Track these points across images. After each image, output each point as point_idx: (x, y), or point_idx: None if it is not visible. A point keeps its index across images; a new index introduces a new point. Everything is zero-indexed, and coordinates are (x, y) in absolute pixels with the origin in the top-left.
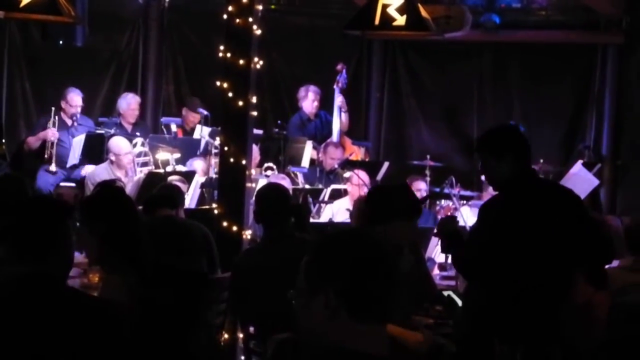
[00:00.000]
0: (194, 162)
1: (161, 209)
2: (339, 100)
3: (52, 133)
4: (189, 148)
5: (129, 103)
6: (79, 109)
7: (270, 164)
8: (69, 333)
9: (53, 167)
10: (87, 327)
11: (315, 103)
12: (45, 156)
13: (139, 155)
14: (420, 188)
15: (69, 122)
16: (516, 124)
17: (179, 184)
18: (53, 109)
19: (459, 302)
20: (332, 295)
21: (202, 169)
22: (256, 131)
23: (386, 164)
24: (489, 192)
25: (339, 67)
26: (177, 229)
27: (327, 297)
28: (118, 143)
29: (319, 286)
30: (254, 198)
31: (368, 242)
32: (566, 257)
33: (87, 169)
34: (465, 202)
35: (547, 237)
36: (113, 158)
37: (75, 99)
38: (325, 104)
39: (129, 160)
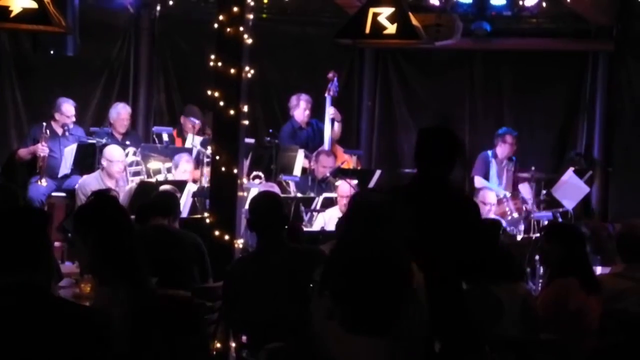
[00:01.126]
0: (181, 158)
1: (154, 218)
2: (331, 111)
3: (41, 148)
4: None
5: (118, 112)
6: (73, 119)
7: (259, 173)
8: (57, 342)
9: (44, 182)
10: (75, 336)
11: (307, 112)
12: (37, 170)
13: (130, 164)
14: None
15: (60, 131)
16: (445, 127)
17: None
18: (44, 124)
19: None
20: (329, 296)
21: (186, 160)
22: (248, 140)
23: (378, 172)
24: (479, 198)
25: (330, 75)
26: (168, 238)
27: (327, 299)
28: (112, 150)
29: (323, 286)
30: (247, 206)
31: (372, 250)
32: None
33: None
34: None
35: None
36: (105, 164)
37: (70, 109)
38: (317, 112)
39: (120, 169)
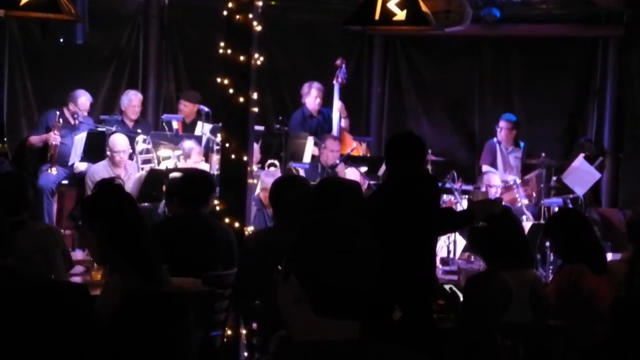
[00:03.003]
0: (192, 151)
1: (195, 206)
2: (338, 105)
3: (54, 137)
4: None
5: (130, 99)
6: (86, 113)
7: (274, 161)
8: (30, 321)
9: (54, 170)
10: (49, 314)
11: (318, 100)
12: (48, 157)
13: (141, 152)
14: None
15: (72, 120)
16: (409, 132)
17: None
18: (58, 113)
19: (461, 296)
20: (296, 282)
21: (197, 152)
22: (257, 127)
23: None
24: (484, 182)
25: (338, 62)
26: (203, 230)
27: (294, 283)
28: (115, 139)
29: (289, 271)
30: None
31: (339, 233)
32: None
33: (81, 166)
34: (467, 196)
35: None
36: (109, 153)
37: (86, 103)
38: (326, 99)
39: (120, 158)
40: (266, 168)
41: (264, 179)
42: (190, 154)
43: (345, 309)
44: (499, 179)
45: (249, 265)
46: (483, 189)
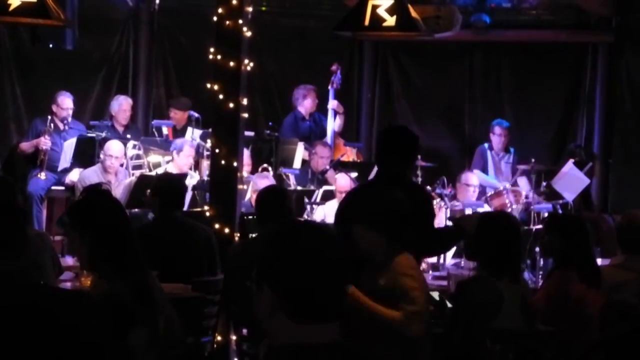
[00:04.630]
0: (185, 143)
1: (173, 209)
2: (334, 103)
3: (44, 142)
4: None
5: (120, 104)
6: (70, 112)
7: (266, 166)
8: (39, 326)
9: (43, 175)
10: (59, 319)
11: (317, 101)
12: (38, 162)
13: (131, 158)
14: None
15: (61, 125)
16: (402, 126)
17: None
18: (49, 117)
19: (448, 304)
20: (269, 292)
21: (190, 145)
22: (247, 133)
23: None
24: (462, 181)
25: (333, 67)
26: (180, 231)
27: (267, 292)
28: (109, 145)
29: (261, 281)
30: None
31: (302, 238)
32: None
33: (73, 175)
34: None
35: None
36: (102, 157)
37: (66, 101)
38: (318, 105)
39: (111, 163)
40: (259, 171)
41: (256, 181)
42: (183, 147)
43: (317, 313)
44: (477, 178)
45: (237, 272)
46: (461, 189)
